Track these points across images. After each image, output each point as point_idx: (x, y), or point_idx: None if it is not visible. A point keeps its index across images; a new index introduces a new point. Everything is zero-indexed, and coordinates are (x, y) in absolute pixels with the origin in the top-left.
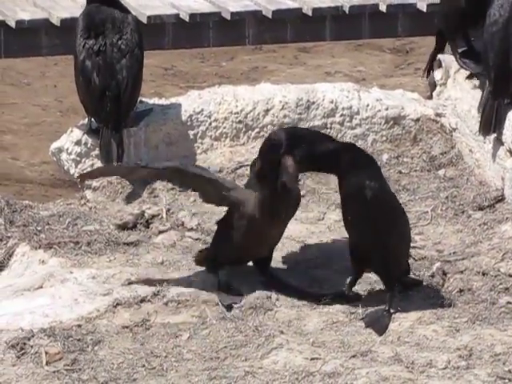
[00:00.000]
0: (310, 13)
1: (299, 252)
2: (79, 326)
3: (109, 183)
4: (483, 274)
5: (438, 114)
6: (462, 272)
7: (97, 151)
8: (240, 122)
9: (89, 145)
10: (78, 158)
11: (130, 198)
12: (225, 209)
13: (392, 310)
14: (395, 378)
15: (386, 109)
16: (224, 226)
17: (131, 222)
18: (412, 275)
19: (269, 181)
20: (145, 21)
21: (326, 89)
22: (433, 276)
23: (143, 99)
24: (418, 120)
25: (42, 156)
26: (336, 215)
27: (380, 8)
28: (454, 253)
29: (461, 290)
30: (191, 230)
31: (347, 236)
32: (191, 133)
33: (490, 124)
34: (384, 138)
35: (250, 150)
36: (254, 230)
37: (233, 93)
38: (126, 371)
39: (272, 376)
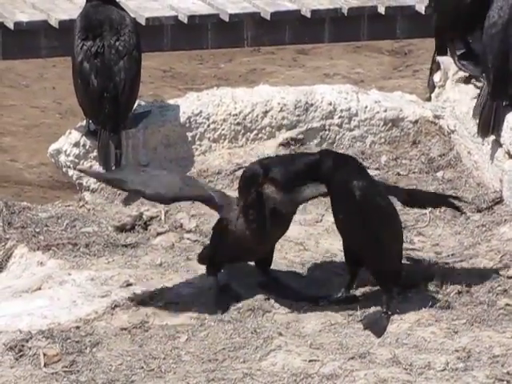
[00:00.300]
0: (308, 15)
1: (297, 254)
2: (77, 327)
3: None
4: (481, 276)
5: (436, 116)
6: (460, 274)
7: (95, 153)
8: (238, 123)
9: (87, 146)
10: (77, 160)
11: (128, 200)
12: None
13: (390, 312)
14: (393, 380)
15: (385, 111)
16: (217, 233)
17: (130, 223)
18: (409, 277)
19: (256, 212)
20: (143, 23)
21: (325, 91)
22: (431, 278)
23: (142, 101)
24: (416, 122)
25: (40, 158)
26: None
27: (379, 10)
28: (452, 255)
29: (459, 292)
30: (190, 231)
31: None
32: (190, 135)
33: (489, 126)
34: (382, 140)
35: (248, 152)
36: (242, 247)
37: (231, 95)
38: (125, 373)
39: (270, 378)
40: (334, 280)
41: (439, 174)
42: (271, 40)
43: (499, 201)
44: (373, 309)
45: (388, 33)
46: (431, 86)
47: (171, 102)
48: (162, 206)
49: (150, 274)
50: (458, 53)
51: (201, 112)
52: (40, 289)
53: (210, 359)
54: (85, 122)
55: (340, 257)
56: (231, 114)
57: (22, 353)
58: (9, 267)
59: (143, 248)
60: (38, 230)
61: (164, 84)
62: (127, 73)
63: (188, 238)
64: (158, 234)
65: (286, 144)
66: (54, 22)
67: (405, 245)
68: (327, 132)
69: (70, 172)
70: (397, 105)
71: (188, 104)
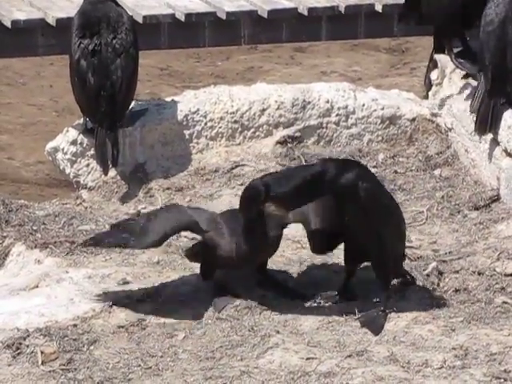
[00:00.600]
0: (305, 12)
1: (294, 252)
2: (75, 325)
3: (104, 183)
4: (479, 274)
5: (433, 114)
6: (457, 272)
7: (92, 151)
8: (236, 121)
9: (84, 144)
10: (74, 158)
11: (125, 198)
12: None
13: (387, 310)
14: (391, 378)
15: (382, 108)
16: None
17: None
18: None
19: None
20: (140, 20)
21: (322, 88)
22: (428, 276)
23: (139, 99)
24: (413, 120)
25: (37, 156)
26: None
27: (376, 8)
28: (449, 252)
29: (456, 290)
30: None
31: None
32: (187, 133)
33: (486, 124)
34: (380, 138)
35: (245, 150)
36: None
37: (228, 93)
38: (122, 371)
39: (268, 376)
40: (332, 278)
41: (436, 172)
42: (268, 38)
43: (496, 199)
44: (370, 307)
45: (385, 31)
46: (427, 84)
47: (168, 100)
48: (159, 204)
49: (147, 272)
50: (455, 51)
51: (198, 110)
52: (37, 287)
53: (207, 357)
54: (82, 119)
55: (337, 255)
56: (228, 112)
57: (19, 351)
58: (6, 265)
59: None
60: (35, 227)
61: (161, 82)
62: (124, 71)
63: (185, 236)
64: None
65: (283, 142)
66: (51, 20)
67: None
68: (324, 130)
69: (68, 170)
70: (394, 103)
71: (185, 102)
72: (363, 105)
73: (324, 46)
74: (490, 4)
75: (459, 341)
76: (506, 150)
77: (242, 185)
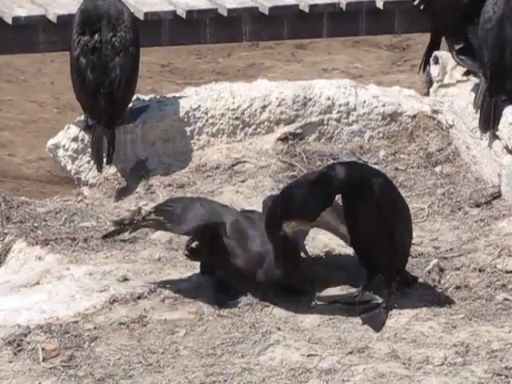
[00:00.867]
0: (306, 9)
1: None
2: (76, 322)
3: (105, 180)
4: (480, 271)
5: (434, 111)
6: (458, 268)
7: None
8: (237, 118)
9: (86, 141)
10: (75, 155)
11: (126, 195)
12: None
13: (389, 307)
14: (392, 375)
15: (383, 105)
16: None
17: (128, 218)
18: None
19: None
20: (142, 17)
21: (323, 85)
22: (429, 272)
23: (140, 95)
24: (414, 117)
25: (38, 152)
26: None
27: (377, 5)
28: (450, 249)
29: (457, 287)
30: None
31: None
32: (188, 129)
33: (489, 121)
34: (381, 135)
35: (246, 147)
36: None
37: (230, 89)
38: (123, 367)
39: (269, 372)
40: (330, 275)
41: (437, 169)
42: (270, 35)
43: (497, 195)
44: (372, 303)
45: (386, 27)
46: (428, 81)
47: (169, 96)
48: (160, 201)
49: (148, 269)
50: (457, 47)
51: (199, 107)
52: (38, 283)
53: (208, 354)
54: (83, 116)
55: (338, 252)
56: (229, 109)
57: (20, 347)
58: (7, 262)
59: (141, 243)
60: (36, 224)
61: (162, 79)
62: (123, 69)
63: None
64: None
65: (284, 139)
66: (52, 17)
67: None
68: (325, 127)
69: (69, 167)
70: (395, 99)
71: (186, 99)
72: (364, 102)
73: (325, 42)
74: (488, 1)
75: (460, 338)
76: (507, 147)
77: (243, 181)
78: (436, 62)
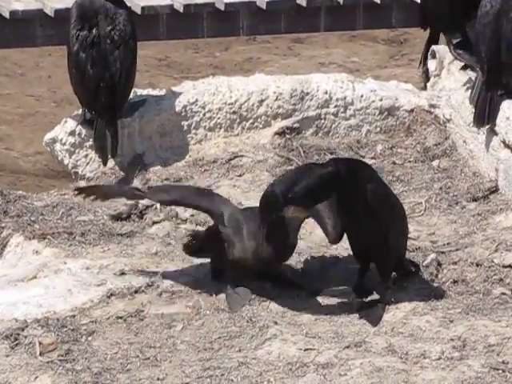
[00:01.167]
0: (304, 4)
1: None
2: (73, 316)
3: (103, 174)
4: (477, 265)
5: (432, 105)
6: (455, 263)
7: (91, 142)
8: (234, 112)
9: (83, 135)
10: (72, 149)
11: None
12: None
13: (386, 301)
14: (389, 369)
15: (380, 99)
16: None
17: (125, 212)
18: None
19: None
20: (139, 11)
21: (321, 79)
22: (427, 267)
23: (137, 90)
24: (412, 111)
25: (36, 146)
26: None
27: None
28: (447, 243)
29: (455, 281)
30: (185, 220)
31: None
32: (185, 123)
33: (484, 116)
34: (378, 129)
35: (244, 141)
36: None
37: (227, 83)
38: (120, 361)
39: (266, 367)
40: (327, 270)
41: (435, 163)
42: (267, 29)
43: (495, 190)
44: (369, 298)
45: (384, 22)
46: (424, 77)
47: (167, 90)
48: None
49: (145, 263)
50: (454, 42)
51: (196, 101)
52: (35, 277)
53: (205, 348)
54: (80, 110)
55: (336, 246)
56: (227, 103)
57: (17, 341)
58: (4, 256)
59: (139, 237)
60: (33, 218)
61: (160, 73)
62: (123, 62)
63: (184, 228)
64: (154, 222)
65: (281, 133)
66: (49, 11)
67: None
68: (323, 121)
69: (66, 161)
70: (392, 94)
71: (184, 93)
72: (361, 96)
73: (322, 37)
74: None
75: (457, 332)
76: (504, 141)
77: (240, 176)
78: (433, 56)
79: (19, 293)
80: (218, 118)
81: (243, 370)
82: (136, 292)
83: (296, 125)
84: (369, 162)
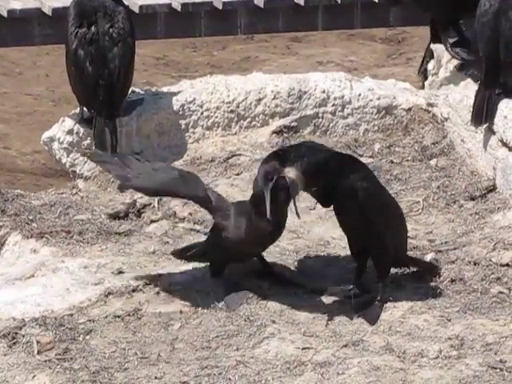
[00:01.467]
0: (302, 2)
1: (290, 241)
2: (71, 315)
3: (100, 172)
4: (475, 264)
5: (429, 104)
6: (453, 262)
7: (89, 140)
8: (232, 111)
9: (81, 134)
10: (70, 148)
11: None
12: None
13: (383, 300)
14: (387, 368)
15: (378, 98)
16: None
17: (123, 211)
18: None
19: (261, 210)
20: (137, 10)
21: (318, 78)
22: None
23: (135, 88)
24: (409, 110)
25: (33, 145)
26: None
27: None
28: (445, 242)
29: (452, 280)
30: (183, 219)
31: (337, 226)
32: (183, 122)
33: (482, 114)
34: (376, 128)
35: (241, 140)
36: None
37: (225, 82)
38: (118, 360)
39: (263, 365)
40: (325, 269)
41: (432, 162)
42: (265, 28)
43: (492, 189)
44: (366, 297)
45: (381, 21)
46: (422, 76)
47: (165, 89)
48: None
49: (143, 262)
50: (451, 40)
51: (194, 100)
52: (33, 276)
53: (203, 347)
54: (78, 109)
55: (333, 244)
56: (225, 102)
57: (15, 340)
58: (2, 255)
59: (136, 236)
60: (31, 217)
61: (157, 72)
62: (121, 60)
63: (182, 226)
64: (152, 221)
65: (279, 132)
66: (47, 10)
67: None
68: (320, 120)
69: (64, 160)
70: (390, 93)
71: (181, 92)
72: (359, 95)
73: (320, 35)
74: None
75: (455, 331)
76: (502, 140)
77: (237, 174)
78: (431, 55)
79: (17, 292)
80: (216, 117)
81: (241, 369)
82: (134, 291)
83: (294, 124)
84: (366, 160)
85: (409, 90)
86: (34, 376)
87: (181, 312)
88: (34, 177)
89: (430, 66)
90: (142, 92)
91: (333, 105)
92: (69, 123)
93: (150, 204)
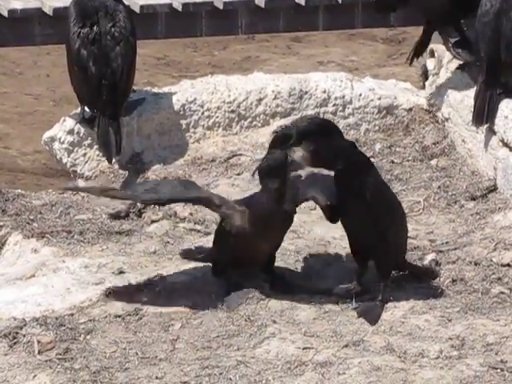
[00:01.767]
0: (302, 2)
1: (291, 242)
2: (71, 315)
3: (101, 173)
4: (475, 264)
5: (430, 104)
6: (454, 262)
7: (89, 140)
8: (233, 111)
9: (81, 134)
10: (71, 147)
11: (122, 188)
12: None
13: (384, 300)
14: (387, 368)
15: (379, 98)
16: (218, 235)
17: (124, 211)
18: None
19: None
20: (138, 10)
21: (319, 78)
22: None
23: (136, 88)
24: (410, 110)
25: (34, 145)
26: None
27: None
28: (446, 243)
29: (453, 280)
30: (184, 219)
31: (338, 225)
32: (184, 122)
33: (483, 115)
34: (376, 128)
35: (242, 140)
36: (243, 243)
37: (225, 82)
38: (119, 360)
39: (264, 365)
40: (326, 269)
41: (433, 162)
42: (266, 28)
43: (493, 189)
44: (367, 297)
45: (382, 20)
46: (423, 76)
47: (165, 89)
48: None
49: (143, 262)
50: (453, 40)
51: (195, 100)
52: (34, 276)
53: (203, 347)
54: (79, 109)
55: (334, 244)
56: (225, 102)
57: (15, 340)
58: (3, 254)
59: (137, 236)
60: (32, 217)
61: (158, 71)
62: (124, 59)
63: (182, 226)
64: (152, 221)
65: None
66: (48, 10)
67: None
68: None
69: (64, 159)
70: (391, 93)
71: (182, 92)
72: (360, 95)
73: (321, 35)
74: None
75: (456, 331)
76: (502, 140)
77: (238, 174)
78: (432, 55)
79: (18, 291)
80: (217, 117)
81: (242, 369)
82: (134, 291)
83: None
84: None
85: (409, 90)
86: (35, 376)
87: (181, 312)
88: (34, 177)
89: (431, 66)
90: (143, 92)
91: (334, 105)
92: (70, 123)
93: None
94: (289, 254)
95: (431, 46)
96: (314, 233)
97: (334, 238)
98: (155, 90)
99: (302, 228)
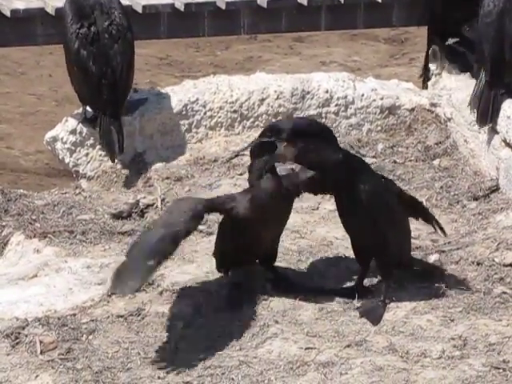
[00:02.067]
0: (305, 2)
1: (293, 242)
2: (74, 315)
3: (103, 172)
4: (478, 264)
5: (432, 104)
6: (456, 262)
7: (92, 140)
8: (235, 111)
9: (84, 134)
10: (73, 147)
11: (124, 188)
12: None
13: (387, 300)
14: (390, 368)
15: (381, 98)
16: (220, 227)
17: (126, 211)
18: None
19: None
20: (140, 10)
21: (321, 78)
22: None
23: (138, 88)
24: (412, 110)
25: (36, 145)
26: (330, 205)
27: None
28: (448, 243)
29: (455, 280)
30: None
31: (341, 225)
32: (186, 122)
33: (487, 115)
34: (379, 128)
35: (244, 140)
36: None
37: (228, 82)
38: (121, 360)
39: (266, 365)
40: (328, 269)
41: (435, 162)
42: (268, 28)
43: (495, 189)
44: (369, 297)
45: (384, 21)
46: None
47: (168, 89)
48: (158, 194)
49: None
50: (453, 41)
51: (197, 100)
52: (36, 276)
53: (206, 347)
54: (81, 109)
55: (336, 245)
56: (228, 102)
57: (18, 340)
58: (5, 254)
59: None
60: (34, 217)
61: (160, 71)
62: (122, 56)
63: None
64: None
65: None
66: (50, 10)
67: None
68: (324, 120)
69: (67, 159)
70: (393, 93)
71: (184, 92)
72: (362, 95)
73: (323, 35)
74: None
75: (458, 331)
76: (505, 140)
77: (241, 174)
78: (434, 55)
79: (20, 291)
80: (219, 117)
81: (244, 369)
82: (136, 291)
83: None
84: (370, 161)
85: (412, 90)
86: (37, 376)
87: (183, 312)
88: (36, 176)
89: (433, 66)
90: (145, 91)
91: (336, 105)
92: (72, 123)
93: (153, 204)
94: (291, 254)
95: (433, 46)
96: (316, 233)
97: (337, 238)
98: (157, 89)
99: (304, 228)
